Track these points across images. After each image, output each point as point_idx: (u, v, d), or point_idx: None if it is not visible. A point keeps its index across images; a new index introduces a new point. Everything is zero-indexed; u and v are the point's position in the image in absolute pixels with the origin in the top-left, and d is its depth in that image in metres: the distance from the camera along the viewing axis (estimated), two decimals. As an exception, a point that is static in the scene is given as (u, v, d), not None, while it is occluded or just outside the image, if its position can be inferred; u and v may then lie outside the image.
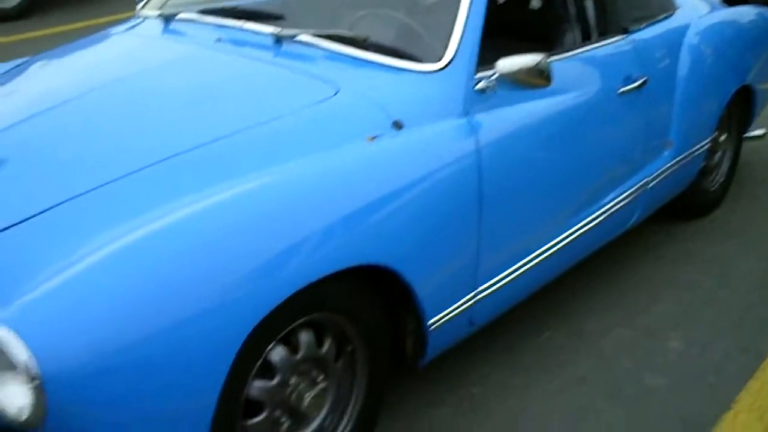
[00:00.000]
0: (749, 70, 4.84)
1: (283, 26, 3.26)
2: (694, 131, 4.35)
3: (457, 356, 3.47)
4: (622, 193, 3.86)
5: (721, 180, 4.98)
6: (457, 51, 3.09)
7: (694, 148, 4.38)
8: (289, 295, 2.44)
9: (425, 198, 2.83)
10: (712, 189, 4.91)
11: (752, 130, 5.24)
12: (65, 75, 3.48)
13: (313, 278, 2.50)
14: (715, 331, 3.85)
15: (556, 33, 3.86)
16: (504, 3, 4.31)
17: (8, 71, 3.63)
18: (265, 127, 2.79)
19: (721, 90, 4.58)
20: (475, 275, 3.09)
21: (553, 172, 3.39)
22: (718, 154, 4.91)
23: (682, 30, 4.35)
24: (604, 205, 3.76)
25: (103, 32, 3.83)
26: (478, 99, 3.08)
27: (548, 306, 3.91)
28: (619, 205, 3.85)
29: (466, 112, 3.05)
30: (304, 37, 3.20)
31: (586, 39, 3.84)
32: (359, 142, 2.79)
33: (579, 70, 3.61)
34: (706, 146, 4.51)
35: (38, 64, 3.63)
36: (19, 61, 3.77)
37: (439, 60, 3.08)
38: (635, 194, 3.96)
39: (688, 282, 4.24)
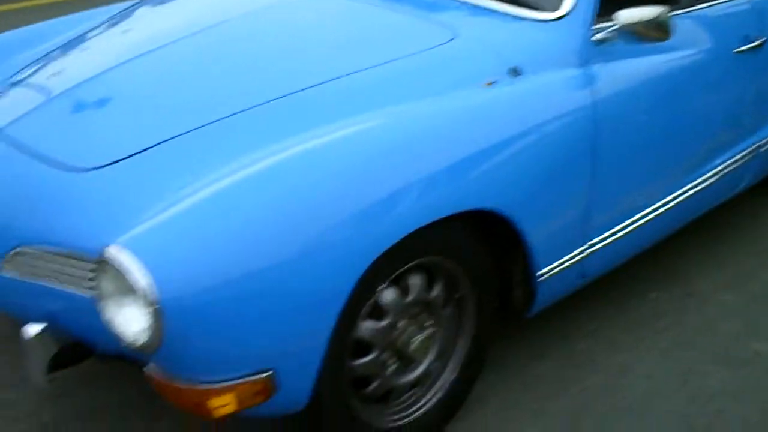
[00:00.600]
0: None
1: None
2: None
3: (562, 310, 3.44)
4: (733, 156, 3.79)
5: None
6: (576, 1, 3.04)
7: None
8: (402, 236, 2.44)
9: (539, 146, 2.80)
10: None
11: None
12: (173, 17, 3.50)
13: (427, 221, 2.50)
14: None
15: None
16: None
17: (116, 14, 3.68)
18: (381, 69, 2.79)
19: None
20: (587, 228, 3.06)
21: (667, 129, 3.32)
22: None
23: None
24: (715, 167, 3.68)
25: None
26: (596, 50, 3.04)
27: (656, 266, 3.86)
28: (730, 168, 3.77)
29: (583, 63, 3.00)
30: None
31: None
32: (476, 87, 2.77)
33: (696, 26, 3.53)
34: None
35: (145, 7, 3.67)
36: (127, 3, 3.81)
37: (558, 9, 3.04)
38: (746, 158, 3.88)
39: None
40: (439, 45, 2.89)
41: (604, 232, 3.13)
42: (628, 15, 3.00)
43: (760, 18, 3.82)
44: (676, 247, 3.97)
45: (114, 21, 3.58)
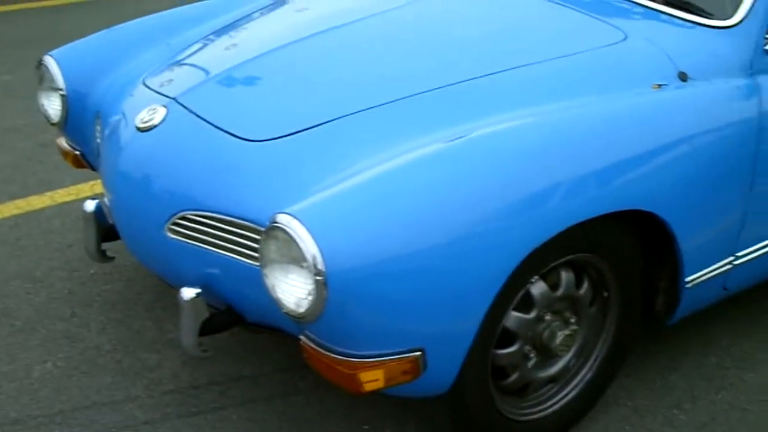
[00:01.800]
0: None
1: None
2: None
3: (701, 322, 3.40)
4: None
5: None
6: (750, 10, 3.00)
7: None
8: (559, 231, 2.44)
9: (701, 153, 2.77)
10: None
11: None
12: (340, 1, 3.54)
13: (585, 217, 2.49)
14: None
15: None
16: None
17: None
18: (552, 63, 2.80)
19: None
20: (737, 240, 3.01)
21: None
22: None
23: None
24: None
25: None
26: (766, 61, 2.98)
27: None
28: None
29: (753, 73, 2.95)
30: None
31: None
32: (644, 88, 2.76)
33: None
34: None
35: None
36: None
37: (731, 17, 3.00)
38: None
39: None
40: (610, 44, 2.88)
41: (753, 245, 3.08)
42: None
43: None
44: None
45: (282, 1, 3.63)
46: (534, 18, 3.12)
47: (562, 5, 3.14)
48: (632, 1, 3.11)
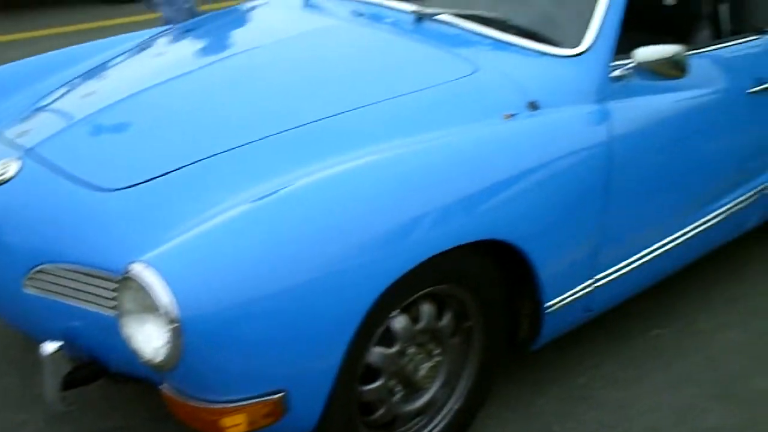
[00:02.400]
0: None
1: (423, 5, 3.29)
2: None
3: (565, 345, 3.46)
4: (741, 196, 3.82)
5: None
6: (596, 38, 3.09)
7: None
8: (416, 263, 2.47)
9: (554, 180, 2.84)
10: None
11: None
12: (201, 43, 3.57)
13: (441, 249, 2.53)
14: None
15: (690, 29, 3.83)
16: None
17: (145, 40, 3.75)
18: (403, 99, 2.84)
19: None
20: (595, 262, 3.09)
21: (679, 167, 3.36)
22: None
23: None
24: (723, 206, 3.72)
25: (240, 5, 3.89)
26: (613, 87, 3.08)
27: (660, 303, 3.88)
28: (737, 207, 3.81)
29: (601, 99, 3.04)
30: (445, 17, 3.23)
31: (719, 37, 3.80)
32: (496, 119, 2.81)
33: (711, 67, 3.58)
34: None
35: (175, 33, 3.72)
36: (155, 30, 3.86)
37: (578, 45, 3.08)
38: (754, 198, 3.92)
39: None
40: (461, 77, 2.94)
41: (612, 267, 3.17)
42: (645, 53, 3.04)
43: (775, 61, 3.86)
44: (681, 284, 3.98)
45: (143, 46, 3.64)
46: (386, 54, 3.16)
47: (414, 40, 3.20)
48: (482, 34, 3.16)
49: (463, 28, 3.19)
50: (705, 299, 4.01)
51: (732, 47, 3.72)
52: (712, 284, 4.12)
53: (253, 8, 3.79)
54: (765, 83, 3.75)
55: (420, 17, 3.25)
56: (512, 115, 2.83)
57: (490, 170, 2.68)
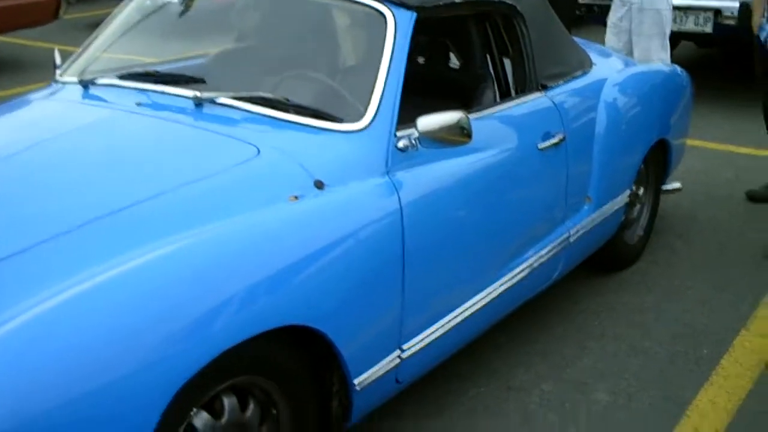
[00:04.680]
0: (665, 125, 4.94)
1: (203, 90, 3.25)
2: (612, 186, 4.42)
3: (385, 418, 3.42)
4: (543, 248, 3.90)
5: (641, 233, 5.05)
6: (377, 111, 3.12)
7: (613, 203, 4.43)
8: (212, 357, 2.41)
9: (348, 257, 2.83)
10: (632, 242, 4.97)
11: (669, 184, 5.33)
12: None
13: (237, 340, 2.47)
14: (640, 382, 3.88)
15: (476, 91, 3.91)
16: (424, 62, 4.35)
17: None
18: (187, 189, 2.77)
19: (638, 145, 4.68)
20: (400, 333, 3.08)
21: (476, 228, 3.41)
22: (637, 208, 4.97)
23: (599, 86, 4.43)
24: (527, 261, 3.78)
25: (21, 98, 3.78)
26: (400, 157, 3.10)
27: (474, 362, 3.90)
28: (541, 261, 3.88)
29: (388, 171, 3.06)
30: (224, 100, 3.20)
31: (505, 96, 3.89)
32: (282, 203, 2.78)
33: (499, 127, 3.66)
34: (625, 201, 4.58)
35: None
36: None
37: (360, 119, 3.11)
38: (557, 249, 4.00)
39: (612, 334, 4.28)
40: (244, 161, 2.90)
41: (417, 336, 3.17)
42: (428, 122, 3.07)
43: (560, 115, 3.97)
44: (493, 341, 4.01)
45: None
46: (168, 143, 3.10)
47: (195, 126, 3.15)
48: (263, 115, 3.14)
49: (244, 111, 3.16)
50: (517, 352, 4.07)
51: (518, 105, 3.82)
52: (522, 337, 4.18)
53: (30, 101, 3.68)
54: (553, 138, 3.85)
55: (200, 103, 3.20)
56: (298, 197, 2.80)
57: (280, 255, 2.65)
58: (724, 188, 6.23)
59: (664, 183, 5.24)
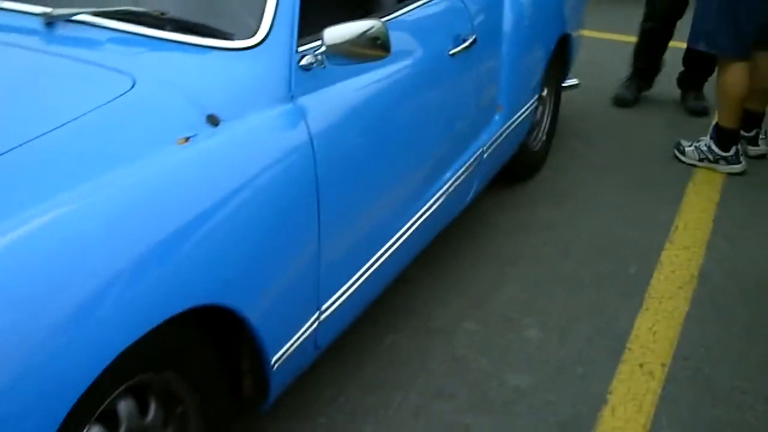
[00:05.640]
0: (567, 18, 4.48)
1: (54, 4, 2.58)
2: (523, 91, 3.97)
3: (302, 383, 2.89)
4: (460, 169, 3.42)
5: (543, 138, 4.61)
6: (273, 20, 2.52)
7: (524, 109, 3.96)
8: (103, 368, 1.84)
9: (255, 208, 2.27)
10: (536, 149, 4.53)
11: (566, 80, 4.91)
12: None
13: (131, 340, 1.90)
14: (570, 314, 3.49)
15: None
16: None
17: None
18: (42, 141, 2.07)
19: (545, 42, 4.24)
20: (318, 293, 2.57)
21: (393, 154, 2.91)
22: (539, 110, 4.50)
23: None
24: (444, 185, 3.30)
25: None
26: (304, 77, 2.54)
27: (387, 305, 3.40)
28: (457, 182, 3.40)
29: (292, 96, 2.49)
30: (83, 17, 2.53)
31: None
32: (168, 147, 2.17)
33: (407, 33, 3.11)
34: (534, 105, 4.11)
35: None
36: None
37: (254, 34, 2.50)
38: (472, 168, 3.53)
39: (530, 256, 3.86)
40: (115, 98, 2.25)
41: (336, 291, 2.66)
42: (336, 33, 2.50)
43: (470, 15, 3.45)
44: (404, 279, 3.47)
45: None
46: (5, 79, 2.41)
47: (43, 53, 2.49)
48: (134, 34, 2.51)
49: (109, 29, 2.52)
50: (430, 287, 3.62)
51: (426, 6, 3.26)
52: (434, 268, 3.72)
53: None
54: (464, 41, 3.33)
55: (51, 21, 2.54)
56: (189, 138, 2.21)
57: (168, 219, 2.05)
58: (616, 81, 5.83)
59: (563, 81, 4.79)
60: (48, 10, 2.54)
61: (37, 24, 2.54)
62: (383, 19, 2.85)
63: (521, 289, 3.62)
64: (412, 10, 3.17)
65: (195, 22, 2.53)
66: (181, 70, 2.42)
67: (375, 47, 2.53)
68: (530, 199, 4.35)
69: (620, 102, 5.67)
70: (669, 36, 5.57)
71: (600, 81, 5.79)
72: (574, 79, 4.95)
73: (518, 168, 4.34)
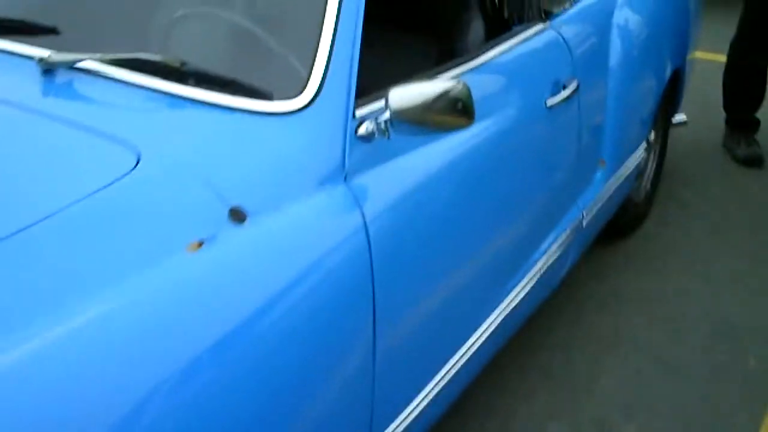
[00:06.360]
0: (681, 48, 3.83)
1: (55, 45, 2.05)
2: (629, 140, 3.33)
3: None
4: (552, 244, 2.83)
5: (648, 187, 3.96)
6: (324, 76, 1.96)
7: (630, 161, 3.34)
8: None
9: (287, 333, 1.72)
10: (639, 200, 3.88)
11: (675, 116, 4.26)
12: None
13: None
14: (679, 415, 2.88)
15: (457, 25, 2.75)
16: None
17: None
18: (13, 242, 1.55)
19: (658, 77, 3.60)
20: (370, 421, 1.99)
21: (472, 236, 2.34)
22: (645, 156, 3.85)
23: (610, 2, 3.28)
24: (532, 267, 2.72)
25: None
26: (362, 150, 1.97)
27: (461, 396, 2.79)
28: (549, 261, 2.80)
29: (347, 175, 1.91)
30: (87, 64, 1.98)
31: (498, 29, 2.73)
32: (174, 257, 1.61)
33: (496, 82, 2.53)
34: (641, 155, 3.49)
35: None
36: None
37: (299, 94, 1.93)
38: (568, 239, 2.93)
39: (630, 338, 3.24)
40: (111, 183, 1.70)
41: (393, 420, 2.08)
42: (403, 96, 1.91)
43: (571, 54, 2.85)
44: (486, 370, 2.84)
45: None
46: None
47: (33, 113, 1.94)
48: (145, 87, 1.95)
49: (116, 81, 1.97)
50: (513, 379, 3.01)
51: (518, 46, 2.66)
52: (517, 356, 3.09)
53: None
54: (565, 87, 2.72)
55: (50, 68, 2.00)
56: (203, 242, 1.64)
57: (171, 353, 1.51)
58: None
59: (672, 117, 4.14)
60: (47, 54, 1.99)
61: (34, 70, 1.99)
62: (466, 66, 2.27)
63: (619, 382, 3.02)
64: (502, 53, 2.58)
65: (223, 77, 1.97)
66: (201, 142, 1.87)
67: (455, 113, 1.95)
68: (631, 263, 3.72)
69: (751, 162, 4.68)
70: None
71: (708, 113, 5.02)
72: (683, 115, 4.29)
73: (618, 223, 3.69)
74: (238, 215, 1.72)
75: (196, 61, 2.00)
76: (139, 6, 2.28)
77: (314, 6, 2.02)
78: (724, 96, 4.76)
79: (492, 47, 2.56)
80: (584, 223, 3.01)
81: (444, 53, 2.63)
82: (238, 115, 1.90)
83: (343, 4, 2.02)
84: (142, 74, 1.97)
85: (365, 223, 1.89)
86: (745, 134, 4.69)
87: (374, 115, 1.96)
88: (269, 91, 1.95)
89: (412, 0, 2.96)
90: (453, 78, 2.01)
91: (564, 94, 2.72)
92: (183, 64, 1.97)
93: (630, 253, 3.78)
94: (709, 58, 5.49)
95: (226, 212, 1.71)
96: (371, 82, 2.04)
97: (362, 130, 1.95)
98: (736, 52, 4.64)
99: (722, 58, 4.90)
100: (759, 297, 3.50)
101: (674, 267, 3.70)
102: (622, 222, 3.74)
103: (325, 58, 1.97)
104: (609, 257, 3.71)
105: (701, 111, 4.94)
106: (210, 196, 1.73)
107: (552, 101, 2.67)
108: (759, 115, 4.75)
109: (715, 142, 4.82)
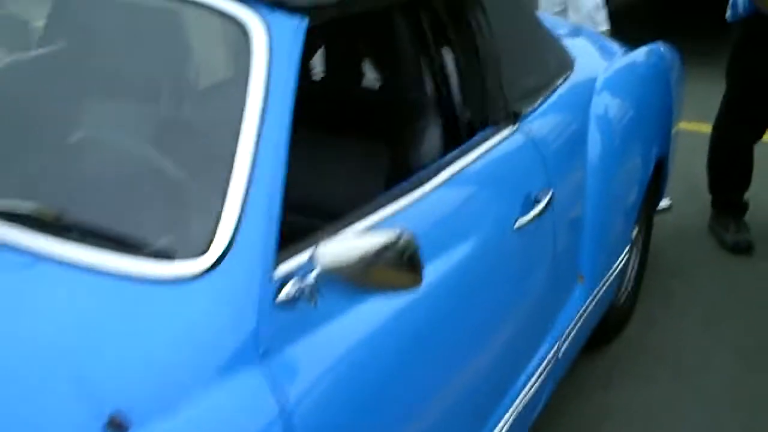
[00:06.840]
0: (665, 136, 3.48)
1: None
2: (611, 249, 2.96)
3: None
4: (524, 384, 2.43)
5: (631, 285, 3.56)
6: (236, 229, 1.56)
7: (612, 270, 2.96)
8: None
9: None
10: (620, 303, 3.47)
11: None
12: None
13: None
14: None
15: (409, 130, 2.38)
16: (320, 82, 2.77)
17: None
18: None
19: (641, 173, 3.24)
20: None
21: (422, 405, 1.92)
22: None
23: (586, 98, 2.93)
24: (503, 415, 2.29)
25: None
26: (283, 320, 1.58)
27: None
28: (522, 402, 2.40)
29: (263, 353, 1.51)
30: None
31: (457, 135, 2.36)
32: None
33: (456, 204, 2.15)
34: (624, 260, 3.11)
35: None
36: None
37: (203, 253, 1.53)
38: (543, 372, 2.53)
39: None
40: None
41: None
42: (334, 252, 1.53)
43: (543, 160, 2.48)
44: None
45: None
46: None
47: None
48: (8, 245, 1.55)
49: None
50: None
51: (481, 157, 2.29)
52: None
53: None
54: (537, 201, 2.34)
55: None
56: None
57: None
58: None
59: (656, 206, 3.77)
60: None
61: None
62: (420, 192, 1.89)
63: None
64: (464, 167, 2.20)
65: (110, 230, 1.57)
66: (72, 321, 1.47)
67: (399, 269, 1.56)
68: (614, 372, 3.31)
69: (740, 249, 4.29)
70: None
71: (692, 191, 4.58)
72: (667, 200, 3.93)
73: (598, 331, 3.29)
74: (117, 425, 1.32)
75: (77, 212, 1.60)
76: (17, 130, 1.88)
77: (224, 136, 1.64)
78: (710, 177, 4.40)
79: (453, 160, 2.19)
80: (561, 350, 2.62)
81: (397, 164, 2.27)
82: (122, 284, 1.50)
83: (263, 131, 1.64)
84: (7, 226, 1.57)
85: (284, 410, 1.50)
86: (733, 217, 4.32)
87: (300, 272, 1.57)
88: (166, 249, 1.55)
89: (360, 104, 2.58)
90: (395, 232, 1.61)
91: (536, 210, 2.34)
92: (58, 217, 1.57)
93: (612, 361, 3.37)
94: (692, 128, 5.07)
95: (101, 424, 1.31)
96: (308, 206, 1.66)
97: (282, 295, 1.57)
98: (721, 130, 4.31)
99: (706, 128, 4.53)
100: (757, 412, 3.10)
101: (661, 375, 3.31)
102: (604, 330, 3.33)
103: (239, 204, 1.59)
104: (588, 368, 3.29)
105: (684, 186, 4.52)
106: (81, 399, 1.33)
107: (522, 221, 2.29)
108: (747, 197, 4.38)
109: (700, 225, 4.43)
